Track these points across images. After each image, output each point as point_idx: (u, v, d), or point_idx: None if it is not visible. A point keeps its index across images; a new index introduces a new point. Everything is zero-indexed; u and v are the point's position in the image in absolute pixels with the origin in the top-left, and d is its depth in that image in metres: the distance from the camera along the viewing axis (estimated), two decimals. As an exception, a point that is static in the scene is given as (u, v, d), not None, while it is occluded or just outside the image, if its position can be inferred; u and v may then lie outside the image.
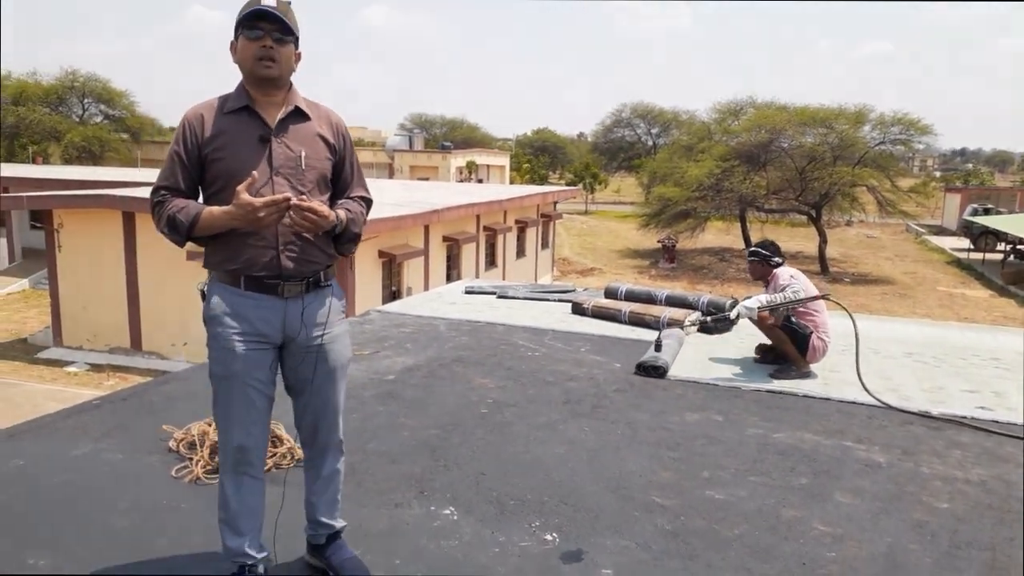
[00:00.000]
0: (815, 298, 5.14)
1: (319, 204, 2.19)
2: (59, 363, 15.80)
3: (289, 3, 2.24)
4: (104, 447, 3.63)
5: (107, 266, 15.91)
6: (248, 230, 2.18)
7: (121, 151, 42.49)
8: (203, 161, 2.24)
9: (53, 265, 16.54)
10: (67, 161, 40.05)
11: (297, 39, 2.26)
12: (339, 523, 2.58)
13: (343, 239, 2.36)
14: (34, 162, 38.07)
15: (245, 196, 2.08)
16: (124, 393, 4.57)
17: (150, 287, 15.78)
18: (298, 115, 2.29)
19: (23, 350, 16.77)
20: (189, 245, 2.32)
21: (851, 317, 5.05)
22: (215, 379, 2.30)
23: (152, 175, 28.23)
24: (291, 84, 2.31)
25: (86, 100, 44.94)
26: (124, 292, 15.93)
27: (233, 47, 2.25)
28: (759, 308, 5.03)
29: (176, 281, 15.52)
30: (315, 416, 2.41)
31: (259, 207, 2.08)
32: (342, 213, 2.30)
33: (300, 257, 2.26)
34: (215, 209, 2.18)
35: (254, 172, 2.12)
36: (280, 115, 2.26)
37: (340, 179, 2.42)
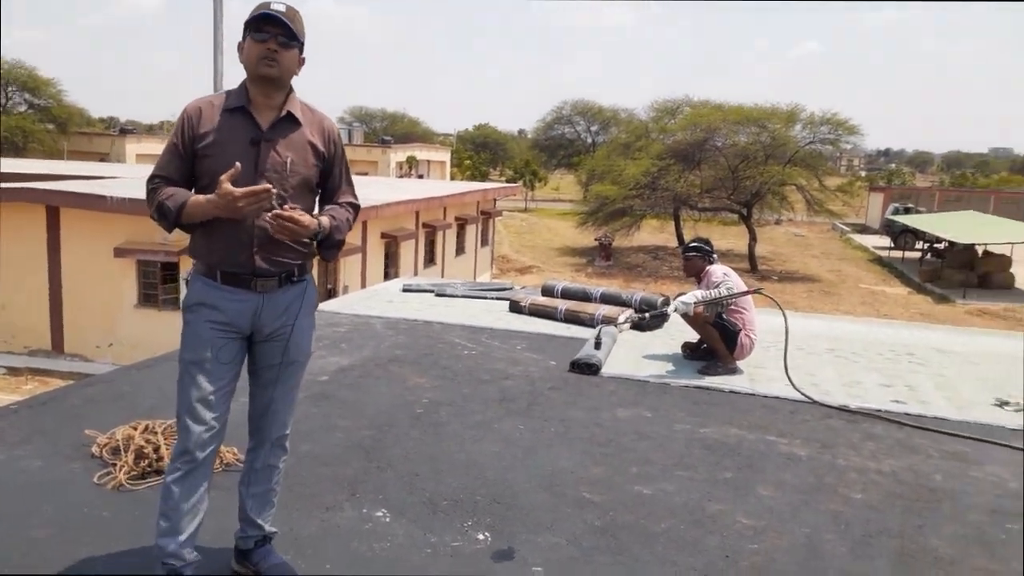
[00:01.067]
0: (748, 292, 5.32)
1: (300, 214, 2.25)
2: (-25, 365, 15.08)
3: (297, 11, 2.32)
4: (22, 454, 3.50)
5: (28, 263, 15.25)
6: (227, 223, 2.26)
7: (46, 142, 40.54)
8: (195, 155, 2.32)
9: (-32, 262, 15.78)
10: (-14, 152, 38.18)
11: (302, 45, 2.35)
12: (269, 528, 2.57)
13: (326, 245, 2.43)
14: (-52, 153, 36.16)
15: (226, 185, 2.15)
16: (44, 397, 4.41)
17: (74, 285, 15.20)
18: (291, 120, 2.37)
19: (-65, 351, 15.95)
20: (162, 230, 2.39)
21: (783, 312, 5.23)
22: (183, 363, 2.35)
23: (80, 168, 27.12)
24: (291, 88, 2.39)
25: (10, 88, 42.80)
26: (46, 290, 15.30)
27: (240, 47, 2.34)
28: (695, 303, 5.18)
29: (102, 279, 14.99)
30: (265, 404, 2.48)
31: (239, 196, 2.14)
32: (325, 220, 2.37)
33: (273, 257, 2.35)
34: (200, 197, 2.26)
35: (237, 163, 2.19)
36: (273, 119, 2.34)
37: (328, 185, 2.50)
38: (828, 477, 3.66)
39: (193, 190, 2.35)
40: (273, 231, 2.23)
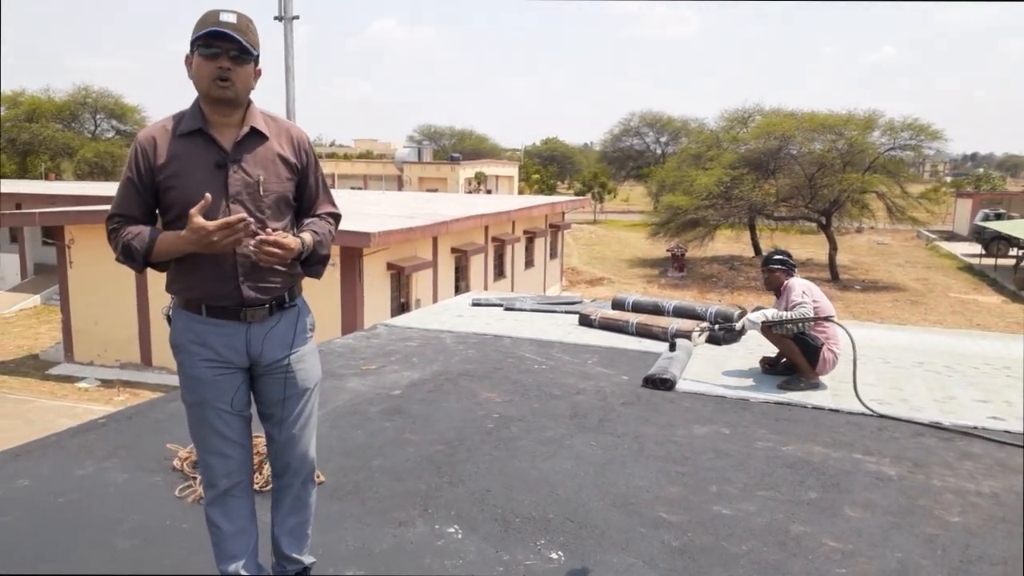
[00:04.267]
0: (821, 319, 5.09)
1: (282, 235, 2.11)
2: (70, 379, 15.88)
3: (250, 19, 2.13)
4: (108, 466, 3.63)
5: (118, 281, 16.00)
6: (206, 255, 2.10)
7: (132, 166, 42.74)
8: (157, 188, 2.16)
9: (64, 281, 16.66)
10: (79, 177, 40.41)
11: (257, 56, 2.16)
12: (307, 559, 2.48)
13: (310, 262, 2.29)
14: (47, 178, 38.45)
15: (198, 220, 2.01)
16: (130, 411, 4.58)
17: (161, 302, 15.81)
18: (256, 135, 2.19)
19: (35, 366, 16.87)
20: None
21: (851, 341, 5.01)
22: (187, 405, 2.26)
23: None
24: (250, 101, 2.21)
25: (98, 116, 45.35)
26: (134, 307, 16.01)
27: (188, 61, 2.14)
28: (763, 323, 5.07)
29: (186, 296, 15.61)
30: (285, 441, 2.33)
31: (212, 230, 2.00)
32: (308, 237, 2.23)
33: (260, 285, 2.20)
34: (169, 234, 2.11)
35: (207, 194, 2.04)
36: (236, 137, 2.16)
37: (304, 197, 2.33)
38: (921, 499, 3.45)
39: (159, 223, 2.22)
40: (257, 258, 2.09)
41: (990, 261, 32.41)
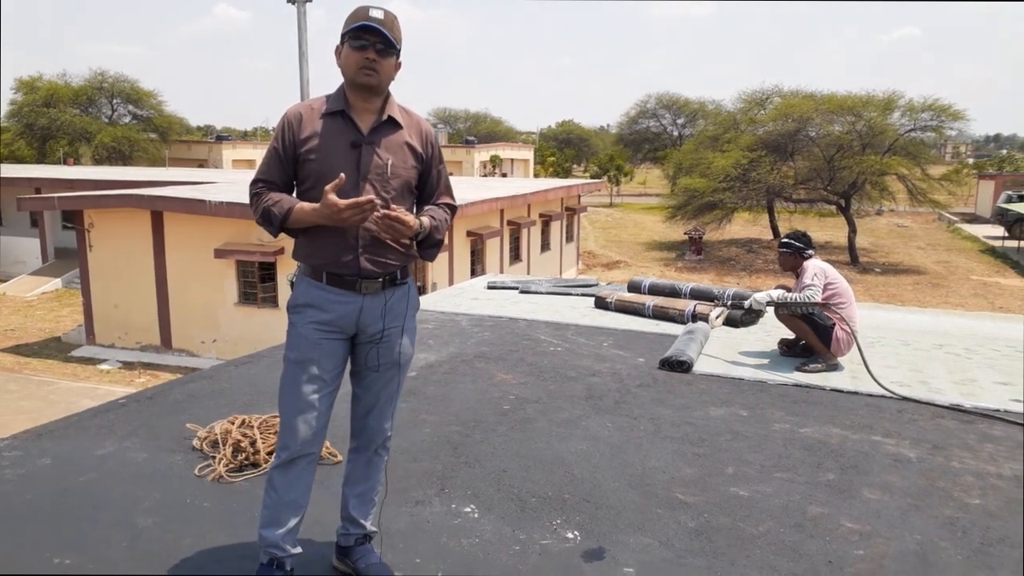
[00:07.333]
0: (820, 304, 5.08)
1: (403, 213, 2.27)
2: (92, 361, 16.07)
3: (395, 17, 2.32)
4: (129, 446, 3.67)
5: (137, 264, 16.15)
6: (333, 228, 2.29)
7: (150, 151, 42.97)
8: (297, 159, 2.35)
9: (85, 264, 16.82)
10: (97, 162, 40.68)
11: (399, 51, 2.35)
12: (370, 527, 2.59)
13: (425, 245, 2.45)
14: (65, 163, 38.72)
15: (331, 197, 2.19)
16: (150, 391, 4.62)
17: (179, 285, 15.98)
18: (391, 124, 2.38)
19: (57, 348, 17.09)
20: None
21: (855, 337, 5.08)
22: (288, 362, 2.38)
23: (180, 174, 28.57)
24: (389, 93, 2.40)
25: (115, 101, 45.50)
26: (154, 290, 16.15)
27: (338, 52, 2.35)
28: (767, 303, 5.23)
29: (204, 279, 15.71)
30: (368, 406, 2.50)
31: (343, 208, 2.18)
32: (426, 220, 2.39)
33: (377, 259, 2.37)
34: (305, 205, 2.29)
35: (342, 174, 2.22)
36: (373, 123, 2.35)
37: (427, 186, 2.51)
38: (941, 481, 3.42)
39: (295, 192, 2.40)
40: (379, 230, 2.26)
41: (1013, 243, 31.97)
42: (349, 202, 2.18)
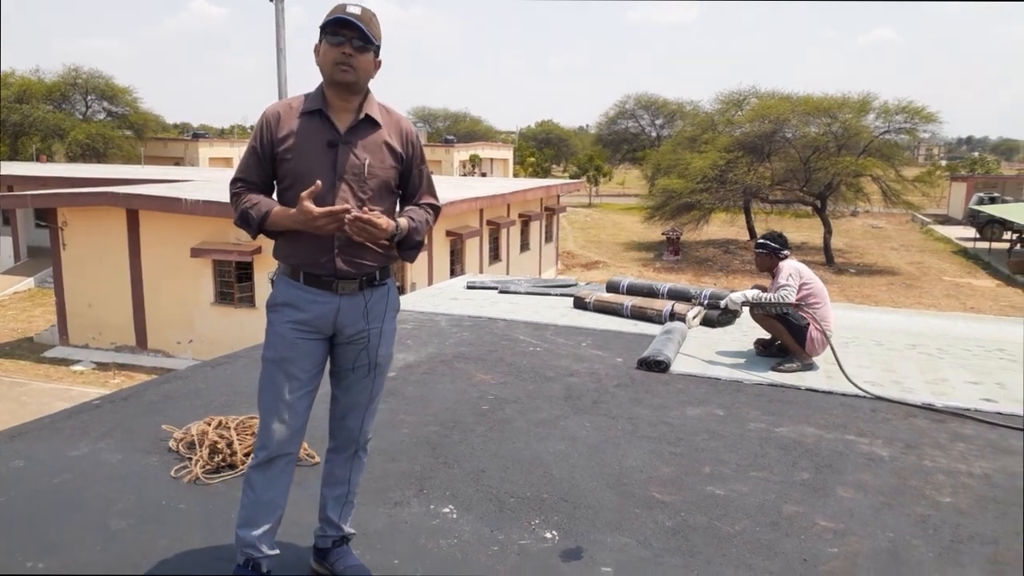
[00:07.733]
0: (793, 305, 5.14)
1: (377, 216, 2.24)
2: (65, 362, 15.85)
3: (374, 14, 2.31)
4: (103, 447, 3.63)
5: (112, 264, 15.95)
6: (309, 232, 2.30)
7: (125, 148, 42.35)
8: (275, 159, 2.35)
9: (58, 263, 16.59)
10: (71, 159, 40.06)
11: (378, 48, 2.34)
12: (348, 529, 2.59)
13: (404, 246, 2.44)
14: (38, 160, 38.08)
15: (307, 204, 2.19)
16: (124, 392, 4.57)
17: (154, 284, 15.81)
18: (369, 123, 2.36)
19: (29, 349, 16.84)
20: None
21: (827, 338, 5.17)
22: (265, 362, 2.38)
23: (156, 172, 28.24)
24: (368, 91, 2.39)
25: (89, 97, 44.85)
26: (129, 289, 15.97)
27: (316, 49, 2.33)
28: (743, 303, 5.31)
29: (180, 278, 15.55)
30: (347, 406, 2.50)
31: (317, 216, 2.18)
32: (404, 222, 2.38)
33: (354, 260, 2.36)
34: (281, 210, 2.31)
35: (318, 181, 2.21)
36: (351, 122, 2.34)
37: (408, 186, 2.49)
38: (913, 479, 3.48)
39: (275, 191, 2.41)
40: (351, 233, 2.24)
41: (985, 245, 32.51)
42: (324, 210, 2.18)
